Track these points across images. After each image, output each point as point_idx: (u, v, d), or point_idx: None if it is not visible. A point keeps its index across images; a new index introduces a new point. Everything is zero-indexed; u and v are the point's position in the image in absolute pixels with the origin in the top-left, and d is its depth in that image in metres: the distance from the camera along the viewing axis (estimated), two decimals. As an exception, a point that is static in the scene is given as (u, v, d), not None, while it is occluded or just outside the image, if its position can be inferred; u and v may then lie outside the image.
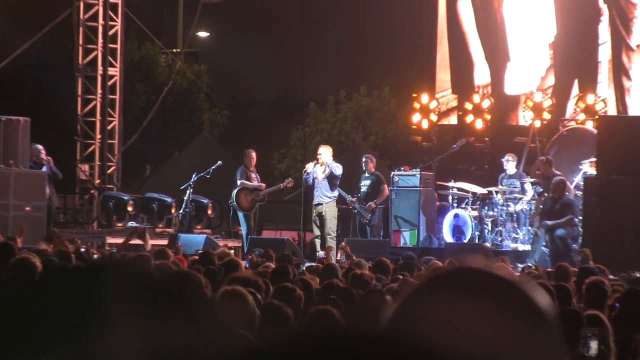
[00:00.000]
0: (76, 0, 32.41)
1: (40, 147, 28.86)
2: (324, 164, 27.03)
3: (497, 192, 27.05)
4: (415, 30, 34.22)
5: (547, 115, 30.69)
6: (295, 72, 36.19)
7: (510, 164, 27.04)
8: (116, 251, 21.55)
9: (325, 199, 27.28)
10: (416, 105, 32.89)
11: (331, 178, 27.29)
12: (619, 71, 31.39)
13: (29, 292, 1.90)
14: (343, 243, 25.44)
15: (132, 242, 23.91)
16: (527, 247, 26.13)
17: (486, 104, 32.22)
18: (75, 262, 17.41)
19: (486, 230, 27.12)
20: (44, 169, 28.73)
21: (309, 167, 27.64)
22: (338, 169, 27.34)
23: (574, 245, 25.68)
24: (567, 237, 25.83)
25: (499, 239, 26.67)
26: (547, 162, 26.75)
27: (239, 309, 9.25)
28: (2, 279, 12.45)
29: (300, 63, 36.17)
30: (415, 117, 32.77)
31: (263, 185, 28.57)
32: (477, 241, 26.68)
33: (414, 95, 33.12)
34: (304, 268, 19.36)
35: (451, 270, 2.47)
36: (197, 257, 18.64)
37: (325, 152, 27.88)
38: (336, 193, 27.32)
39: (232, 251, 22.45)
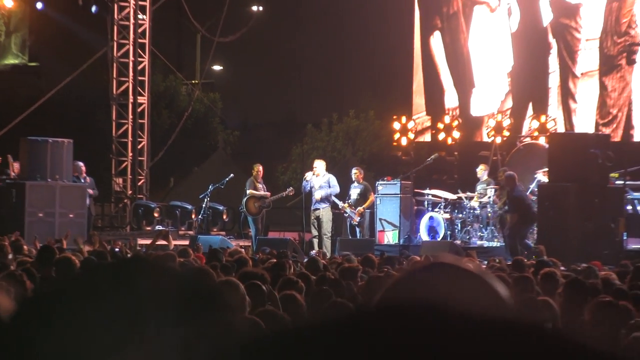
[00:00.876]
0: (110, 40, 32.36)
1: (81, 164, 28.70)
2: (319, 174, 27.13)
3: (466, 198, 26.99)
4: (395, 62, 34.20)
5: (506, 133, 30.60)
6: (295, 98, 36.23)
7: (482, 172, 26.89)
8: (145, 250, 21.50)
9: (322, 205, 27.30)
10: (396, 125, 32.84)
11: (328, 196, 27.35)
12: (566, 95, 31.38)
13: (69, 285, 1.78)
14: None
15: (158, 242, 24.01)
16: (492, 244, 25.99)
17: (455, 123, 32.17)
18: (110, 259, 17.50)
19: (456, 230, 26.93)
20: (85, 182, 28.74)
21: (308, 175, 27.61)
22: (335, 189, 27.43)
23: (527, 242, 25.77)
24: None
25: (467, 237, 26.49)
26: (504, 174, 26.74)
27: (233, 295, 9.37)
28: (47, 275, 12.44)
29: (299, 91, 36.27)
30: (396, 136, 32.75)
31: (268, 193, 28.46)
32: (449, 239, 26.54)
33: (395, 117, 33.04)
34: (306, 258, 19.45)
35: (427, 263, 2.46)
36: (206, 253, 18.78)
37: (319, 165, 27.85)
38: (327, 202, 27.29)
39: (243, 250, 22.54)
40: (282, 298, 10.45)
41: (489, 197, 26.64)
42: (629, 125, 30.41)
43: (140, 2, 32.43)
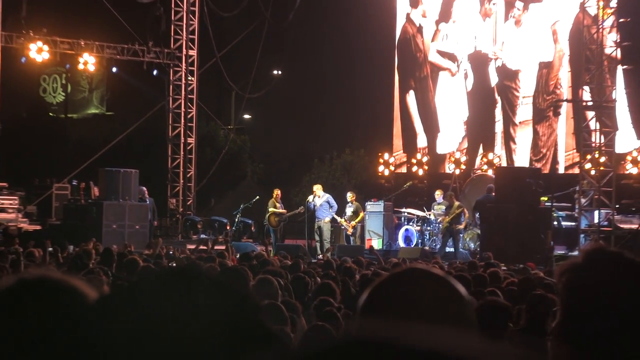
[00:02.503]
0: (167, 96, 32.33)
1: (144, 188, 28.67)
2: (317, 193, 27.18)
3: (431, 215, 27.02)
4: (380, 113, 34.17)
5: (463, 167, 30.62)
6: (305, 139, 36.25)
7: (439, 196, 26.87)
8: (193, 253, 21.47)
9: (323, 218, 27.29)
10: (381, 160, 32.95)
11: (328, 207, 27.35)
12: (508, 138, 31.34)
13: (140, 282, 1.66)
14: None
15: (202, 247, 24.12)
16: (451, 250, 25.86)
17: (424, 159, 32.20)
18: (165, 261, 17.50)
19: (425, 239, 26.79)
20: (147, 202, 28.75)
21: (310, 198, 27.63)
22: (335, 208, 27.45)
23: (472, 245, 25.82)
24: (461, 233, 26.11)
25: (434, 244, 26.43)
26: (450, 196, 26.75)
27: (268, 288, 9.33)
28: (121, 275, 12.43)
29: (307, 134, 36.28)
30: (380, 168, 32.75)
31: (285, 211, 28.36)
32: (420, 246, 26.47)
33: (379, 154, 33.05)
34: (314, 261, 19.47)
35: (405, 269, 2.44)
36: (239, 256, 18.81)
37: (318, 189, 27.90)
38: (330, 215, 27.28)
39: (265, 253, 22.54)
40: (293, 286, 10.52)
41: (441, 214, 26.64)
42: (555, 161, 30.40)
43: (190, 68, 32.49)
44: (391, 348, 0.58)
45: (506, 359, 0.56)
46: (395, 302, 2.27)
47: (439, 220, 26.67)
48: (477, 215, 26.58)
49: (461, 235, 26.44)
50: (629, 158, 27.74)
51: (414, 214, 27.74)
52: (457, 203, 26.29)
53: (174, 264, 16.16)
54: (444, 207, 26.59)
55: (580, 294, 2.71)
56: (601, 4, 24.54)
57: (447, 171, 31.09)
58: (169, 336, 1.48)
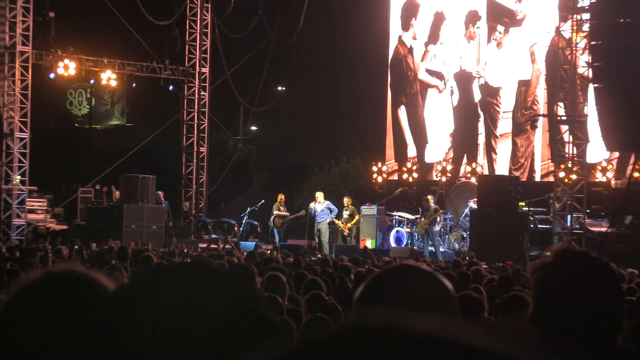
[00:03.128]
0: (181, 109, 32.35)
1: (160, 193, 28.67)
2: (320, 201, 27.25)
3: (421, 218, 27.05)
4: (375, 125, 34.18)
5: (449, 175, 30.68)
6: (306, 149, 36.25)
7: (427, 202, 26.84)
8: (204, 251, 21.49)
9: (322, 221, 27.31)
10: (374, 168, 32.90)
11: (328, 212, 27.41)
12: (490, 149, 31.34)
13: (144, 280, 1.64)
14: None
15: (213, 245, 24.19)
16: (440, 249, 25.87)
17: (414, 168, 32.26)
18: (179, 258, 17.51)
19: (415, 240, 26.88)
20: (163, 205, 28.78)
21: (312, 204, 27.71)
22: (334, 212, 27.49)
23: (456, 246, 25.82)
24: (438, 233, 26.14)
25: (422, 245, 26.48)
26: (425, 199, 26.80)
27: (277, 283, 9.33)
28: (135, 270, 12.43)
29: (308, 144, 36.29)
30: (374, 175, 32.77)
31: (288, 214, 28.36)
32: (409, 246, 26.48)
33: (373, 163, 33.12)
34: (313, 259, 19.47)
35: (397, 265, 2.48)
36: (246, 254, 18.82)
37: (320, 195, 27.94)
38: (329, 219, 27.31)
39: (269, 252, 22.54)
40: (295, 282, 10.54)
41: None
42: (532, 170, 30.42)
43: (202, 84, 32.54)
44: (394, 332, 0.58)
45: (508, 345, 0.56)
46: (387, 295, 2.27)
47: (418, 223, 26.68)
48: (461, 218, 26.61)
49: (438, 236, 26.44)
50: (598, 168, 27.79)
51: (404, 217, 27.72)
52: (433, 207, 26.31)
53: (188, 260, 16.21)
54: (424, 209, 26.61)
55: (549, 288, 2.73)
56: (575, 28, 24.58)
57: (435, 179, 31.07)
58: (181, 323, 1.46)
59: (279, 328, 1.53)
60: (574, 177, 24.86)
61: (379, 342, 0.54)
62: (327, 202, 27.69)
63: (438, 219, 26.19)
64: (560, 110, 26.20)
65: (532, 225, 24.67)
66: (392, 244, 27.10)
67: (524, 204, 24.68)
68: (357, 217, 27.82)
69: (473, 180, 29.00)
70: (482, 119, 31.54)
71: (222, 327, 1.48)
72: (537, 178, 29.95)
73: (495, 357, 0.55)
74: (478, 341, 0.56)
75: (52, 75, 29.94)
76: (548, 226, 25.27)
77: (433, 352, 0.53)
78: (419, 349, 0.53)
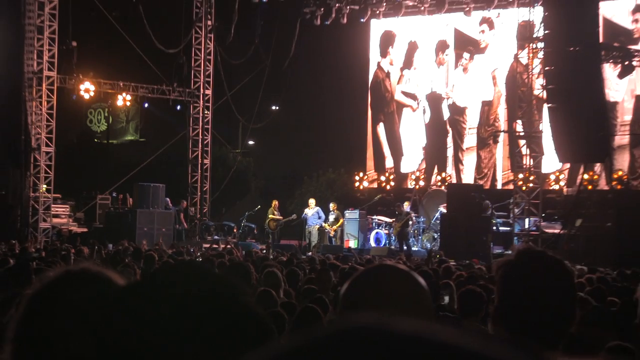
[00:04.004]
0: (187, 126, 32.22)
1: (168, 199, 28.78)
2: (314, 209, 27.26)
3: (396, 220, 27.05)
4: (357, 139, 34.14)
5: (421, 183, 30.72)
6: (297, 160, 36.24)
7: (400, 207, 26.79)
8: (208, 251, 21.44)
9: (313, 225, 27.30)
10: (357, 178, 32.96)
11: (317, 217, 27.44)
12: (457, 161, 31.36)
13: (151, 276, 1.63)
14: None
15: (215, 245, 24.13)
16: (413, 249, 25.84)
17: (391, 177, 32.30)
18: (186, 257, 17.47)
19: (392, 240, 26.88)
20: (171, 210, 28.73)
21: (305, 210, 27.76)
22: (323, 218, 27.52)
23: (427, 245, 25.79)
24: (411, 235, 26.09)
25: (397, 245, 26.44)
26: (398, 205, 26.79)
27: (274, 278, 9.30)
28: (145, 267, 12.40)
29: (299, 155, 36.28)
30: (357, 184, 32.81)
31: (281, 217, 28.40)
32: (387, 246, 26.48)
33: (356, 173, 33.17)
34: (303, 257, 19.43)
35: (376, 265, 2.49)
36: (244, 253, 18.78)
37: (312, 202, 27.99)
38: (318, 224, 27.31)
39: (264, 251, 22.50)
40: (287, 277, 10.50)
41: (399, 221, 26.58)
42: (494, 179, 30.47)
43: (206, 104, 32.52)
44: (383, 331, 0.56)
45: (483, 344, 0.54)
46: (368, 291, 2.27)
47: (394, 226, 26.65)
48: (432, 221, 26.61)
49: (414, 237, 26.42)
50: (552, 177, 27.86)
51: (382, 220, 27.73)
52: (405, 212, 26.34)
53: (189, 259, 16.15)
54: (400, 213, 26.62)
55: (511, 282, 2.72)
56: (531, 55, 24.65)
57: (409, 187, 31.11)
58: (176, 314, 1.47)
59: (265, 319, 1.54)
60: (530, 185, 24.92)
61: (369, 340, 0.53)
62: (318, 208, 27.73)
63: (410, 222, 26.21)
64: (519, 127, 26.28)
65: (494, 227, 24.70)
66: (372, 243, 27.10)
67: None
68: (341, 220, 27.81)
69: (443, 188, 29.04)
70: (450, 134, 31.56)
71: (211, 316, 1.48)
72: (499, 186, 30.00)
73: (476, 356, 0.54)
74: (456, 339, 0.55)
75: (74, 97, 30.04)
76: (508, 228, 25.33)
77: (419, 350, 0.53)
78: (406, 347, 0.52)
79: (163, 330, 1.46)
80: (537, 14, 24.27)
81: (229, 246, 23.04)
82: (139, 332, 1.48)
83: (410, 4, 30.78)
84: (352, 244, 27.22)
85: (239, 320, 1.50)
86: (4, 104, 27.87)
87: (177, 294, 1.51)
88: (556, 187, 27.93)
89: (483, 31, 30.92)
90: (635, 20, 27.08)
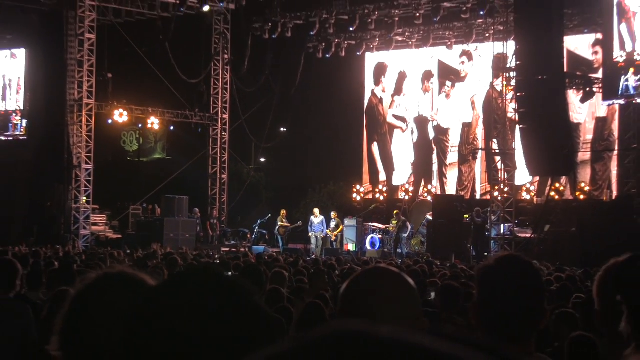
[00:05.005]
0: (208, 146, 32.19)
1: (197, 209, 28.87)
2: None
3: (389, 227, 27.00)
4: (354, 156, 34.20)
5: (411, 194, 30.70)
6: (303, 175, 36.23)
7: (397, 216, 26.80)
8: (226, 254, 21.41)
9: (317, 231, 27.28)
10: (354, 189, 32.97)
11: (321, 225, 27.41)
12: (441, 175, 31.36)
13: (175, 278, 1.63)
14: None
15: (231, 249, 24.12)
16: (404, 251, 25.79)
17: (384, 189, 32.28)
18: (206, 259, 17.43)
19: (385, 244, 26.88)
20: (197, 219, 28.76)
21: (312, 218, 27.72)
22: (326, 226, 27.49)
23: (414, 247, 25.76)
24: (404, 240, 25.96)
25: (391, 248, 26.41)
26: (397, 213, 26.72)
27: (280, 277, 9.29)
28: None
29: (304, 171, 36.28)
30: (354, 195, 32.78)
31: (289, 224, 28.32)
32: (381, 249, 26.44)
33: (354, 185, 33.19)
34: (308, 259, 19.41)
35: (371, 267, 2.49)
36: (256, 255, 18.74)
37: (317, 211, 27.98)
38: (322, 229, 27.27)
39: (275, 254, 22.46)
40: (295, 279, 10.46)
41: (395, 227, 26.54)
42: (473, 191, 30.45)
43: (223, 126, 32.55)
44: (368, 335, 0.56)
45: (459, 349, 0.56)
46: (364, 290, 2.27)
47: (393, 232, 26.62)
48: (420, 227, 26.53)
49: (405, 241, 26.38)
50: (524, 188, 27.85)
51: (377, 227, 27.71)
52: (402, 218, 26.33)
53: (213, 261, 16.12)
54: (395, 222, 26.58)
55: (490, 284, 2.74)
56: (505, 83, 24.67)
57: (400, 197, 31.11)
58: (194, 312, 1.47)
59: (272, 316, 1.55)
60: (505, 195, 24.90)
61: (356, 342, 0.53)
62: (322, 217, 27.67)
63: (406, 229, 26.19)
64: (495, 145, 26.29)
65: (474, 233, 24.66)
66: (368, 247, 27.09)
67: (467, 216, 24.69)
68: (341, 227, 27.79)
69: (429, 198, 29.04)
70: (435, 152, 31.57)
71: (225, 315, 1.47)
72: (478, 197, 29.96)
73: (450, 357, 0.55)
74: (432, 343, 0.55)
75: (109, 121, 30.10)
76: (486, 233, 25.30)
77: (399, 351, 0.53)
78: (389, 349, 0.53)
79: (185, 326, 1.46)
80: (510, 47, 24.31)
81: (243, 249, 23.06)
82: (165, 327, 1.47)
83: (400, 39, 30.88)
84: (351, 247, 27.20)
85: (249, 318, 1.49)
86: (50, 128, 28.04)
87: (197, 295, 1.50)
88: (527, 197, 27.92)
89: (463, 62, 30.98)
90: (595, 52, 27.13)
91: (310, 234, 27.39)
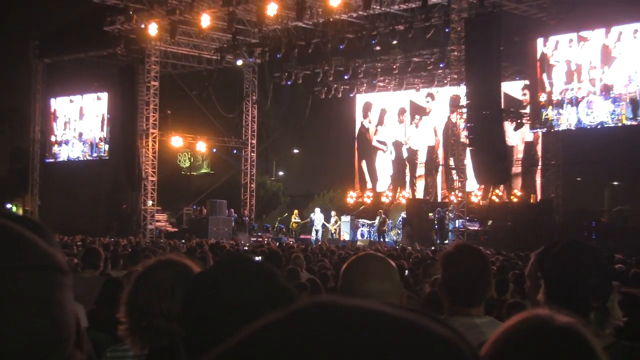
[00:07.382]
0: (240, 163, 32.24)
1: (233, 210, 28.82)
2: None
3: (374, 223, 26.88)
4: (348, 170, 34.16)
5: (390, 198, 30.61)
6: (310, 185, 36.16)
7: (380, 213, 26.68)
8: (254, 243, 21.20)
9: (318, 227, 27.24)
10: (348, 195, 32.83)
11: (320, 220, 27.30)
12: (412, 184, 31.08)
13: (217, 266, 1.56)
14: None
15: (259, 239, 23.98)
16: (386, 240, 25.61)
17: (370, 195, 32.16)
18: (241, 247, 17.30)
19: (371, 235, 26.72)
20: (232, 217, 28.69)
21: (312, 215, 27.69)
22: (322, 221, 27.42)
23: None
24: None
25: (379, 239, 26.18)
26: (380, 212, 26.60)
27: (298, 260, 9.16)
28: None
29: (310, 181, 36.19)
30: (348, 199, 32.64)
31: (300, 220, 28.31)
32: (369, 239, 26.33)
33: (348, 192, 33.13)
34: (314, 246, 19.22)
35: (362, 253, 2.41)
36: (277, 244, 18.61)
37: (317, 211, 27.96)
38: (321, 228, 27.19)
39: (291, 242, 22.34)
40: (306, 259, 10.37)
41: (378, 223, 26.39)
42: (436, 196, 30.22)
43: (252, 149, 32.42)
44: (338, 305, 0.52)
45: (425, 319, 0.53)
46: (358, 270, 2.25)
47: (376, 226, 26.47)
48: (397, 222, 26.35)
49: (388, 233, 26.28)
50: (473, 193, 27.75)
51: (365, 222, 27.62)
52: (384, 216, 26.22)
53: (244, 249, 16.03)
54: (378, 219, 26.46)
55: (450, 265, 2.72)
56: (458, 116, 24.63)
57: (382, 201, 31.03)
58: (234, 293, 1.44)
59: (294, 292, 1.52)
60: (459, 198, 24.82)
61: (324, 310, 0.51)
62: (321, 215, 27.61)
63: (386, 223, 26.08)
64: (451, 162, 26.20)
65: (436, 226, 24.58)
66: (359, 237, 26.98)
67: (431, 214, 24.60)
68: (339, 222, 27.71)
69: (403, 201, 28.94)
70: (408, 167, 31.46)
71: (258, 293, 1.45)
72: (439, 200, 29.80)
73: (403, 321, 0.52)
74: (392, 310, 0.53)
75: (170, 145, 30.13)
76: (445, 227, 25.15)
77: (361, 317, 0.51)
78: (354, 314, 0.51)
79: (225, 304, 1.42)
80: (462, 90, 24.29)
81: (267, 239, 22.97)
82: (214, 298, 1.44)
83: (382, 84, 30.95)
84: (346, 237, 27.11)
85: (274, 292, 1.45)
86: (125, 151, 28.16)
87: (235, 276, 1.47)
88: (475, 200, 27.82)
89: (428, 101, 30.97)
90: (524, 94, 27.16)
91: (314, 227, 27.29)
